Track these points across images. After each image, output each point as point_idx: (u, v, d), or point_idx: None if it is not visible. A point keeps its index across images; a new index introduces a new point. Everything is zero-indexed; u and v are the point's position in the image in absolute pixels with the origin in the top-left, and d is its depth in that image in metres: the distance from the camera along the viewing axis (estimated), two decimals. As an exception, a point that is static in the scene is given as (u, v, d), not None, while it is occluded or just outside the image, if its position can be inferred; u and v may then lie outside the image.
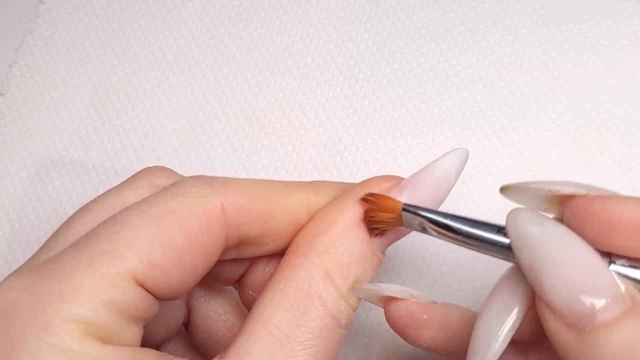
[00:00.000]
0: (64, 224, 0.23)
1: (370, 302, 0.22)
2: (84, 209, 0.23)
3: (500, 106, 0.34)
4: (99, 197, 0.23)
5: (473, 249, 0.21)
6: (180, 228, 0.20)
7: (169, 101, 0.36)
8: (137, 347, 0.20)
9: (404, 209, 0.21)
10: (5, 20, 0.39)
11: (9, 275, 0.20)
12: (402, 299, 0.22)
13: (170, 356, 0.20)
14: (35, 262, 0.21)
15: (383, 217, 0.22)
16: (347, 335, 0.30)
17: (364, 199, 0.22)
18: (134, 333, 0.20)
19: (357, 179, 0.33)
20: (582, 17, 0.35)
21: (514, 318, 0.19)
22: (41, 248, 0.22)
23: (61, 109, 0.36)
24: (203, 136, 0.35)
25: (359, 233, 0.21)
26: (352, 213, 0.21)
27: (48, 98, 0.37)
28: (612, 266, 0.18)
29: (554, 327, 0.17)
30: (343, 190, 0.23)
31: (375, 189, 0.22)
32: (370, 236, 0.22)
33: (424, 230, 0.21)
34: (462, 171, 0.23)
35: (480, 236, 0.20)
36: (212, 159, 0.34)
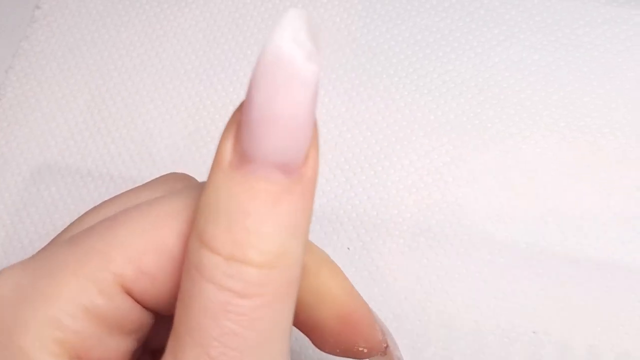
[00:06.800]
0: (77, 218, 0.21)
1: None
2: (99, 206, 0.21)
3: (496, 111, 0.34)
4: (117, 195, 0.22)
5: None
6: (178, 235, 0.18)
7: (165, 106, 0.36)
8: None
9: None
10: (1, 25, 0.39)
11: (5, 268, 0.19)
12: None
13: None
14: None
15: None
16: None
17: None
18: (119, 346, 0.18)
19: (354, 184, 0.33)
20: (579, 23, 0.35)
21: None
22: (51, 242, 0.21)
23: (57, 114, 0.36)
24: (200, 141, 0.35)
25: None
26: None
27: (44, 103, 0.37)
28: None
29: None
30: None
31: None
32: None
33: None
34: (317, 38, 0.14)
35: None
36: (209, 164, 0.34)
